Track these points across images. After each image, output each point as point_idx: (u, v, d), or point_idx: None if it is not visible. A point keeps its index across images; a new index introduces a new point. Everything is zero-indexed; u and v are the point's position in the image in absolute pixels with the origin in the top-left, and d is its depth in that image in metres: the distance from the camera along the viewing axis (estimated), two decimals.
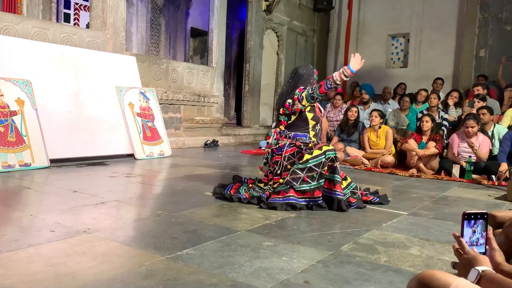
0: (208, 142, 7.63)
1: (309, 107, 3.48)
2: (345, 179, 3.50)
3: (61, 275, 1.76)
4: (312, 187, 3.16)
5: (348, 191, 3.43)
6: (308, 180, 3.16)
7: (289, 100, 3.49)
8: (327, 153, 3.23)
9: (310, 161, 3.19)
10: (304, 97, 3.42)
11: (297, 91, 3.49)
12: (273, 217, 2.89)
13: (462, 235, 1.23)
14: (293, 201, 3.11)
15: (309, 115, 3.49)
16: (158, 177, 4.68)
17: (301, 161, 3.24)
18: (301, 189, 3.15)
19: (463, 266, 1.17)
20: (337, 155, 3.32)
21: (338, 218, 2.99)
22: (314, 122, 3.52)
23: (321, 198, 3.20)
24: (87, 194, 3.37)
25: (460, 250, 1.22)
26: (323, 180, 3.21)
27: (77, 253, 2.04)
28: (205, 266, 1.92)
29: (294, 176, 3.19)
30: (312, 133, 3.52)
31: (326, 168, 3.22)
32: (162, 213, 2.87)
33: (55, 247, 2.12)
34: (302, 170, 3.19)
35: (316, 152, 3.22)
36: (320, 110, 3.62)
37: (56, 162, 4.75)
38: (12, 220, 2.62)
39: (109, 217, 2.76)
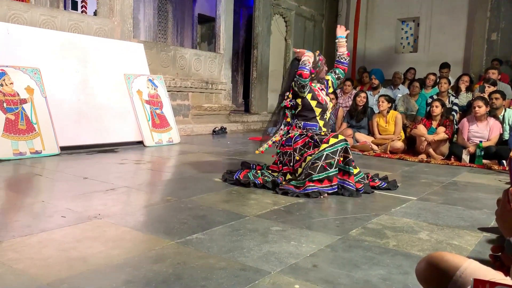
0: (217, 129, 7.64)
1: (310, 95, 3.47)
2: (354, 167, 3.49)
3: (72, 259, 1.79)
4: (330, 174, 3.16)
5: (357, 179, 3.42)
6: (327, 167, 3.16)
7: (287, 93, 3.56)
8: (338, 144, 3.22)
9: (326, 148, 3.19)
10: (297, 90, 3.46)
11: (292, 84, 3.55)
12: (281, 203, 2.90)
13: None
14: (309, 191, 3.09)
15: (313, 103, 3.47)
16: (167, 163, 4.71)
17: (318, 151, 3.22)
18: (320, 177, 3.14)
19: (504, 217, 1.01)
20: (349, 145, 3.31)
21: (347, 204, 2.99)
22: (319, 110, 3.49)
23: (337, 185, 3.21)
24: (97, 180, 3.40)
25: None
26: (337, 168, 3.21)
27: (88, 238, 2.06)
28: (214, 251, 1.94)
29: (312, 166, 3.18)
30: (321, 122, 3.50)
31: (340, 157, 3.22)
32: (172, 199, 2.89)
33: (67, 232, 2.15)
34: (319, 158, 3.18)
35: (332, 140, 3.22)
36: (324, 99, 3.55)
37: (66, 150, 4.80)
38: (24, 206, 2.66)
39: (119, 203, 2.78)
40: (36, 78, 4.73)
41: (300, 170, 3.32)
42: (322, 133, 3.40)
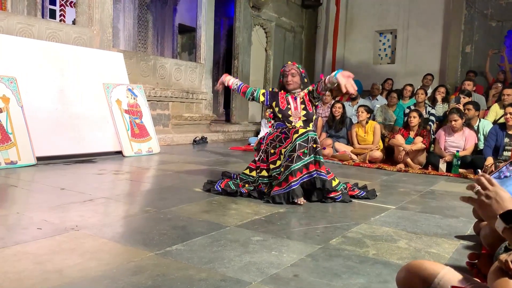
0: (197, 139, 7.61)
1: (274, 103, 3.64)
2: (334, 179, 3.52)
3: (48, 272, 1.75)
4: (305, 162, 3.25)
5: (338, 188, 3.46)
6: (302, 156, 3.25)
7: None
8: (309, 132, 3.32)
9: (297, 138, 3.30)
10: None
11: None
12: (262, 212, 2.89)
13: None
14: (294, 187, 3.16)
15: (276, 109, 3.62)
16: (146, 174, 4.65)
17: (290, 142, 3.31)
18: (298, 167, 3.22)
19: (484, 204, 1.00)
20: (316, 135, 3.42)
21: (327, 213, 3.01)
22: (280, 115, 3.58)
23: (315, 172, 3.27)
24: (75, 191, 3.34)
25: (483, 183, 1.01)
26: (312, 155, 3.29)
27: (65, 250, 2.02)
28: (194, 262, 1.92)
29: (289, 158, 3.26)
30: (289, 126, 3.57)
31: (311, 145, 3.32)
32: (151, 210, 2.86)
33: (42, 244, 2.09)
34: (293, 150, 3.27)
35: (301, 130, 3.35)
36: (291, 106, 3.60)
37: (43, 160, 4.69)
38: None
39: (97, 214, 2.73)
40: (12, 87, 4.64)
41: (279, 162, 3.39)
42: (290, 126, 3.53)
